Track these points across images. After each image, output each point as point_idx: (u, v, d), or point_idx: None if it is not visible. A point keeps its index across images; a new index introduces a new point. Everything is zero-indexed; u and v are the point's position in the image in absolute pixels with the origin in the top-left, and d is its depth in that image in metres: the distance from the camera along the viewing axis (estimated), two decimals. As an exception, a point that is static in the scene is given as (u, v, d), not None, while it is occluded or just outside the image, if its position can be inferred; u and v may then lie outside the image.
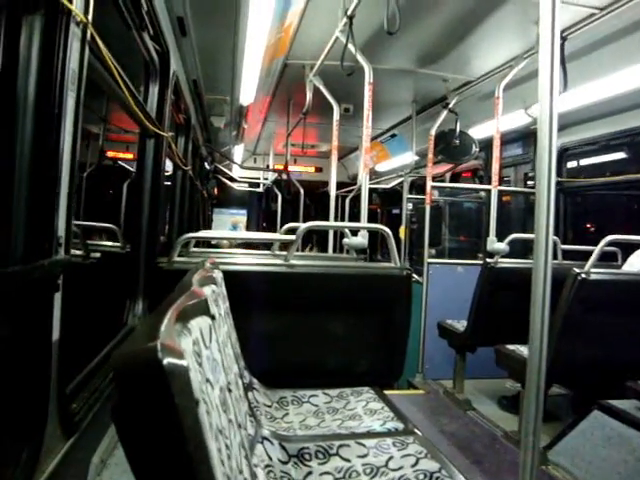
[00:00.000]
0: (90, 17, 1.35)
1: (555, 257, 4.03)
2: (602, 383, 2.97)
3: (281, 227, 3.44)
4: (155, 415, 0.78)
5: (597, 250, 2.86)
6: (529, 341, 1.46)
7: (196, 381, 0.85)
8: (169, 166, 4.03)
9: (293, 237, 2.72)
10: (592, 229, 5.48)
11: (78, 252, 2.94)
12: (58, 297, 1.27)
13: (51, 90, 1.21)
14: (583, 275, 2.78)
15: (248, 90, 4.59)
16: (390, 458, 1.80)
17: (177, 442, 0.78)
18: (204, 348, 1.09)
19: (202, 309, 1.26)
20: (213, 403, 1.00)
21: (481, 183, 6.15)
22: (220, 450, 0.94)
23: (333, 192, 4.43)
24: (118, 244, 3.41)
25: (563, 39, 3.26)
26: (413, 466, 1.75)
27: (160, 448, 0.78)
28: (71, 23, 1.24)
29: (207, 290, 1.53)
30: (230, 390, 1.33)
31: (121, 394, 0.79)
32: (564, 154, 4.80)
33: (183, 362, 0.81)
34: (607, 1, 2.90)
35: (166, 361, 0.77)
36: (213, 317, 1.34)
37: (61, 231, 1.26)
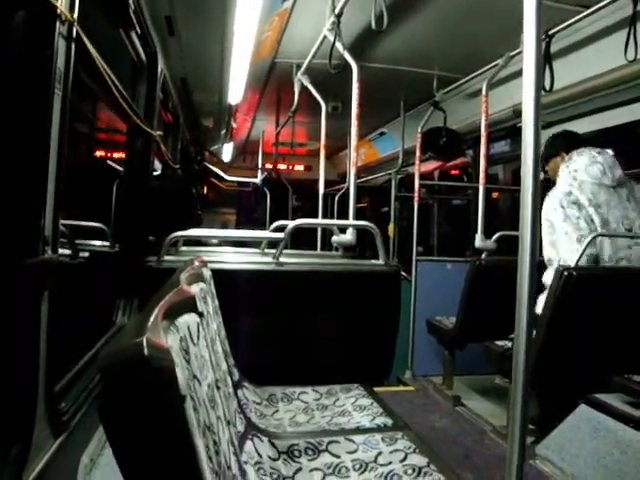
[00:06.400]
0: (76, 15, 1.35)
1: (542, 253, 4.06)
2: (589, 377, 3.00)
3: (270, 225, 3.44)
4: (141, 412, 0.78)
5: (583, 246, 2.89)
6: (514, 337, 1.47)
7: (183, 377, 0.86)
8: (158, 165, 4.02)
9: (282, 235, 2.73)
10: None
11: (66, 251, 2.93)
12: (46, 296, 1.27)
13: (37, 89, 1.21)
14: (568, 271, 2.80)
15: (236, 89, 4.59)
16: (379, 453, 1.82)
17: (164, 438, 0.79)
18: (192, 345, 1.09)
19: (190, 306, 1.26)
20: (201, 400, 1.00)
21: (469, 180, 6.18)
22: (208, 446, 0.95)
23: (322, 190, 4.45)
24: (107, 243, 3.40)
25: (549, 37, 3.29)
26: (402, 461, 1.76)
27: (147, 445, 0.79)
28: (57, 21, 1.24)
29: (195, 288, 1.54)
30: (219, 387, 1.34)
31: (108, 391, 0.79)
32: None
33: (169, 358, 0.82)
34: (593, 0, 2.93)
35: (152, 357, 0.78)
36: (201, 314, 1.34)
37: (48, 231, 1.27)
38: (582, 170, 3.13)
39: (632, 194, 3.16)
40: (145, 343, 0.78)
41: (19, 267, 1.15)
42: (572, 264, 2.88)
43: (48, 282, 1.28)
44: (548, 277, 3.01)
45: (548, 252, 3.14)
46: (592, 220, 3.02)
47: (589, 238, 2.88)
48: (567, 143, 3.36)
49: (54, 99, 1.25)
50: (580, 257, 2.87)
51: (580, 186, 3.08)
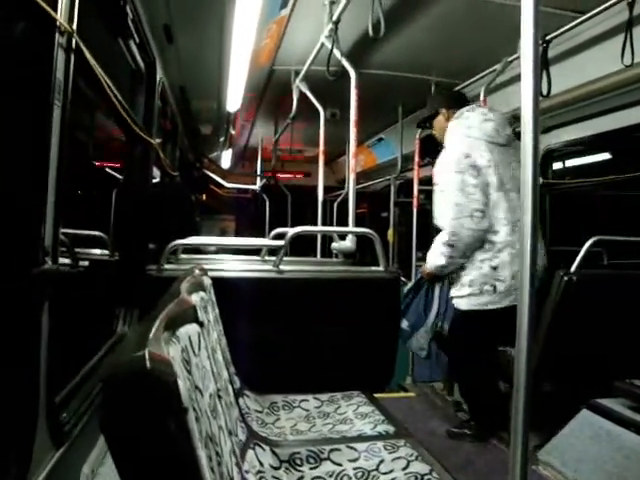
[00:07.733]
0: (75, 26, 1.36)
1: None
2: (591, 383, 2.99)
3: (269, 232, 3.44)
4: (144, 424, 0.78)
5: (582, 251, 2.89)
6: (515, 342, 1.46)
7: (185, 389, 0.85)
8: (157, 173, 4.02)
9: (282, 242, 2.72)
10: (579, 230, 5.52)
11: (66, 260, 2.93)
12: (46, 306, 1.27)
13: (36, 100, 1.21)
14: (568, 276, 2.80)
15: (235, 96, 4.59)
16: (381, 461, 1.81)
17: (167, 451, 0.79)
18: (193, 356, 1.09)
19: (191, 317, 1.26)
20: (203, 410, 1.00)
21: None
22: (210, 457, 0.95)
23: (321, 196, 4.44)
24: (107, 252, 3.39)
25: (546, 43, 3.30)
26: (404, 469, 1.75)
27: (150, 457, 0.79)
28: (56, 33, 1.25)
29: (196, 297, 1.54)
30: (220, 397, 1.34)
31: (109, 404, 0.79)
32: (550, 156, 4.82)
33: (171, 371, 0.81)
34: (589, 6, 2.94)
35: (154, 370, 0.78)
36: (202, 324, 1.34)
37: (48, 241, 1.27)
38: (476, 127, 3.09)
39: (517, 154, 3.06)
40: (147, 356, 0.78)
41: (20, 277, 1.15)
42: (463, 239, 2.96)
43: (48, 292, 1.28)
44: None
45: (438, 218, 3.16)
46: (488, 184, 2.96)
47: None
48: (445, 99, 3.41)
49: (54, 110, 1.25)
50: (581, 261, 2.87)
51: (475, 145, 3.03)
